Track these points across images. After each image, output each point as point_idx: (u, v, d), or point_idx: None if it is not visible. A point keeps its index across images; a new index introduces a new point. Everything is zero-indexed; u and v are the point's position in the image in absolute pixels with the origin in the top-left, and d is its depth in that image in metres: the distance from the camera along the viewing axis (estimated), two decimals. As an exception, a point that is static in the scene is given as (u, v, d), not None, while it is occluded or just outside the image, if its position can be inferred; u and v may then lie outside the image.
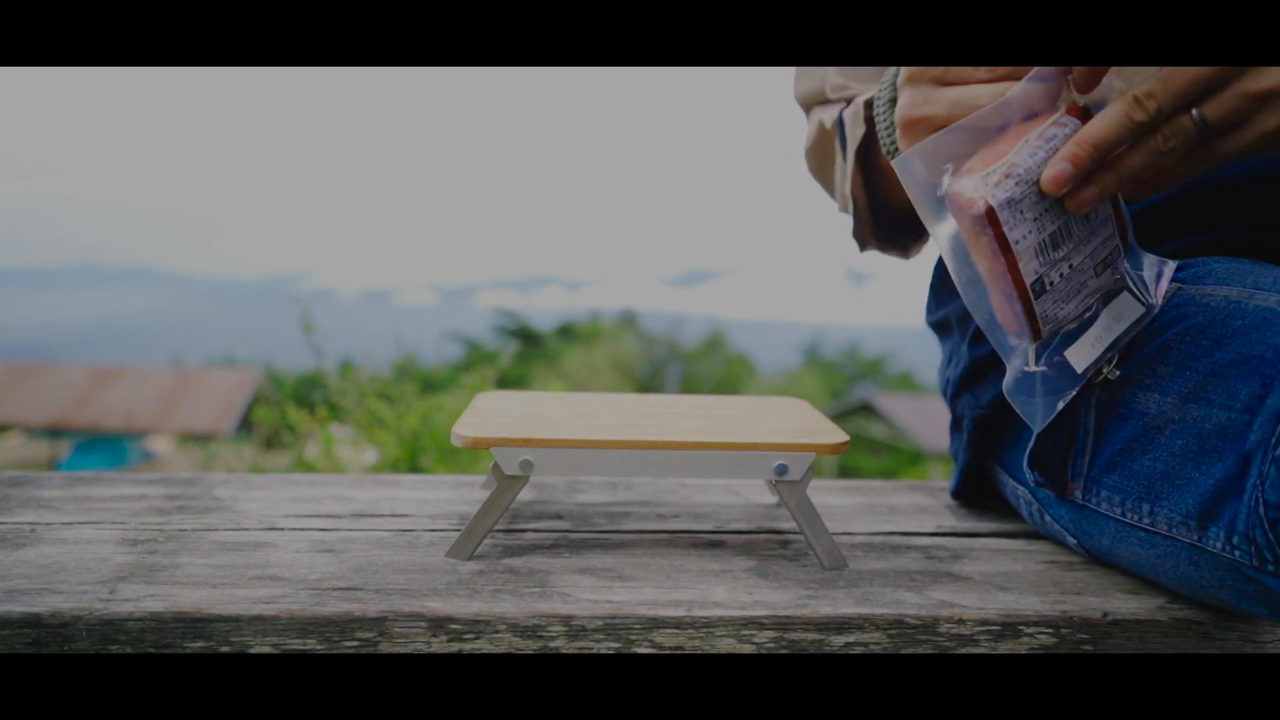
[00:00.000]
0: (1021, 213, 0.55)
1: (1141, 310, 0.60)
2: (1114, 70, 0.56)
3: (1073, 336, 0.60)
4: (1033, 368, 0.60)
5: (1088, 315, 0.60)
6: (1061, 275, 0.57)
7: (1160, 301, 0.61)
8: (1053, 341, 0.60)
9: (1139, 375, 0.61)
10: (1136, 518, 0.61)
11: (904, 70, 0.62)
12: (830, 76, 0.81)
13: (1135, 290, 0.60)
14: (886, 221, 0.82)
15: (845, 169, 0.79)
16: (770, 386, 20.99)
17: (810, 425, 0.72)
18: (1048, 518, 0.72)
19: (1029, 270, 0.56)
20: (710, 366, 22.58)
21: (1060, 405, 0.61)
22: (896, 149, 0.68)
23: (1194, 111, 0.52)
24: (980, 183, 0.55)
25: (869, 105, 0.74)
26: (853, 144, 0.76)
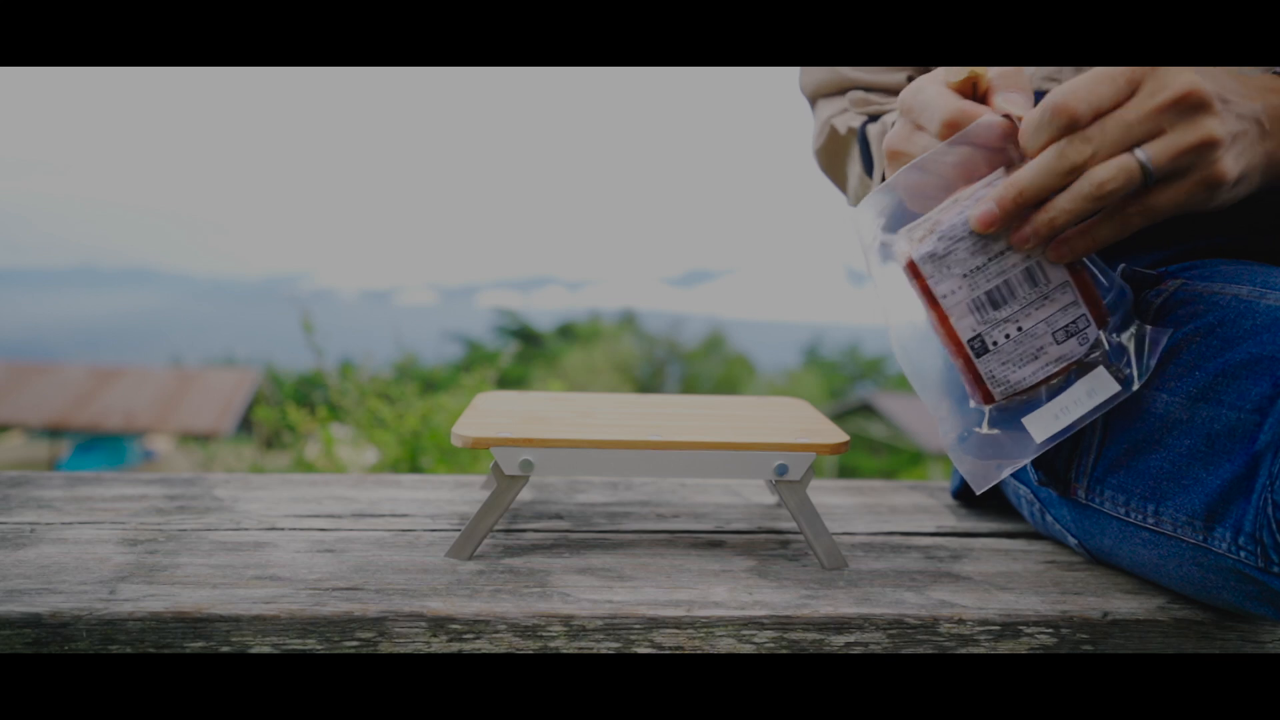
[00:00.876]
0: (948, 268, 0.56)
1: (1116, 388, 0.58)
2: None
3: (1035, 404, 0.59)
4: (984, 430, 0.60)
5: (1056, 383, 0.59)
6: (1008, 336, 0.57)
7: (1145, 376, 0.59)
8: (1010, 407, 0.59)
9: (1148, 374, 0.61)
10: (1141, 518, 0.61)
11: (901, 99, 0.61)
12: (846, 74, 0.81)
13: (1112, 365, 0.59)
14: None
15: (862, 178, 0.79)
16: (770, 386, 20.98)
17: (810, 425, 0.72)
18: (1049, 517, 0.72)
19: (964, 327, 0.57)
20: (710, 366, 22.57)
21: (1005, 473, 0.60)
22: None
23: (1138, 152, 0.52)
24: (905, 237, 0.56)
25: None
26: (878, 170, 0.76)
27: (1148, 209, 0.54)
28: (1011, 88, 0.57)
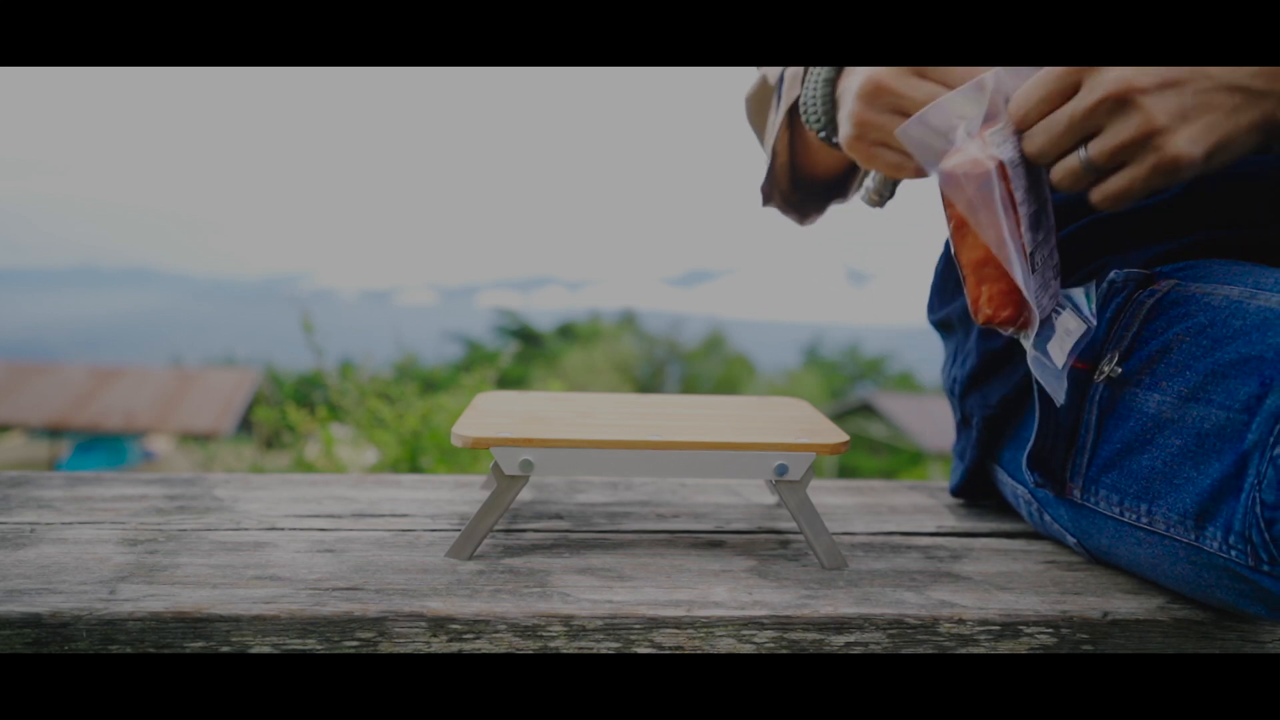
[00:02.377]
0: (1019, 179, 0.57)
1: (1084, 327, 0.60)
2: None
3: (1046, 337, 0.61)
4: (1030, 350, 0.61)
5: (1053, 319, 0.61)
6: (1041, 260, 0.59)
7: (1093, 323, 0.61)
8: (1036, 333, 0.61)
9: (1139, 374, 0.61)
10: (1134, 517, 0.61)
11: (866, 72, 0.65)
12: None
13: (1075, 306, 0.61)
14: (798, 184, 0.85)
15: (774, 123, 0.82)
16: (770, 386, 20.99)
17: (810, 425, 0.72)
18: (1047, 517, 0.72)
19: (1028, 239, 0.58)
20: (710, 366, 22.57)
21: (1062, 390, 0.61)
22: (820, 122, 0.72)
23: (1080, 151, 0.57)
24: (981, 146, 0.57)
25: (808, 71, 0.77)
26: (786, 102, 0.79)
27: (1110, 197, 0.58)
28: None
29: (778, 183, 0.85)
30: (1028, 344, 0.61)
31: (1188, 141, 0.56)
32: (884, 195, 0.76)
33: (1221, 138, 0.57)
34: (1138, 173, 0.57)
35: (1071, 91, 0.57)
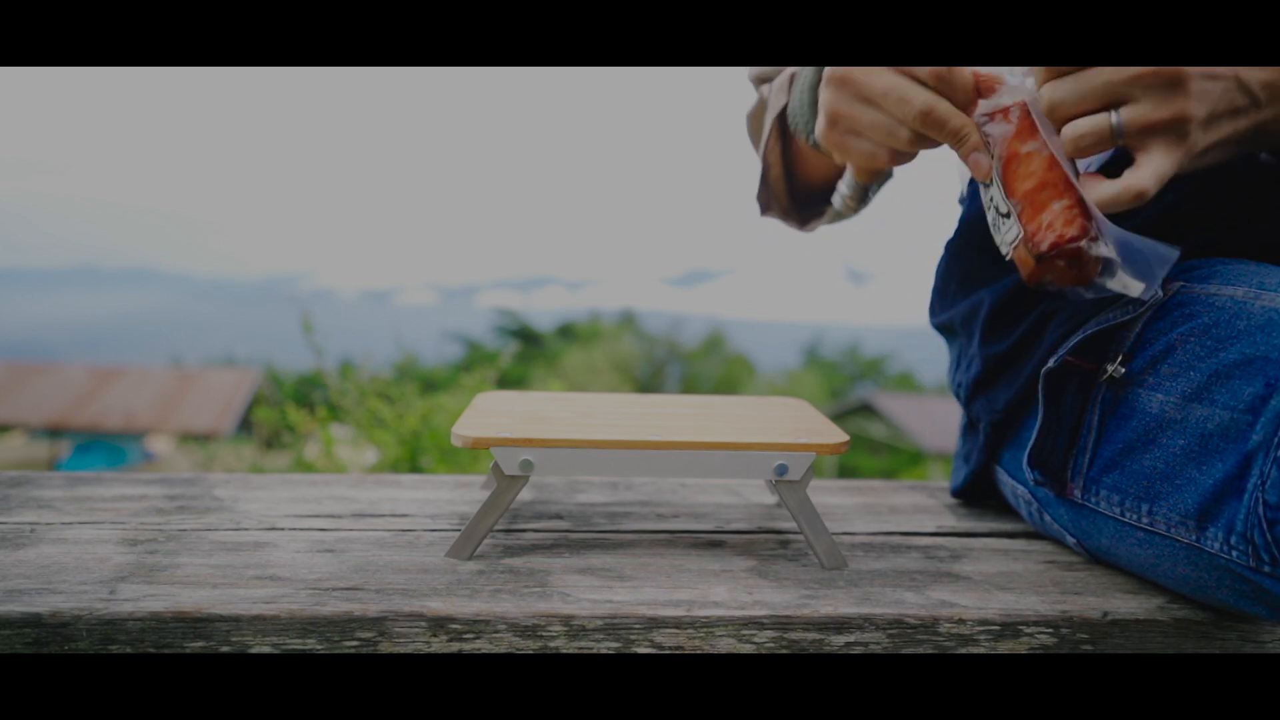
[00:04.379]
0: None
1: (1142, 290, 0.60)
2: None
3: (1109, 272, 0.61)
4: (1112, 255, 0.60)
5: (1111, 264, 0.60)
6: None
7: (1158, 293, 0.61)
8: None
9: (1143, 374, 0.61)
10: (1135, 517, 0.61)
11: (834, 70, 0.66)
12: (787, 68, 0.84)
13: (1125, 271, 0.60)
14: (795, 191, 0.86)
15: (765, 132, 0.83)
16: (770, 386, 20.99)
17: (810, 425, 0.72)
18: (1047, 517, 0.72)
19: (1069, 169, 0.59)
20: (710, 366, 22.57)
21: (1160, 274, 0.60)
22: (808, 126, 0.73)
23: (1113, 114, 0.57)
24: (1010, 90, 0.61)
25: (794, 77, 0.78)
26: (773, 110, 0.80)
27: (1134, 191, 0.57)
28: None
29: (774, 192, 0.86)
30: (1105, 249, 0.59)
31: (1202, 132, 0.56)
32: (857, 199, 0.77)
33: (1222, 136, 0.58)
34: (1152, 148, 0.56)
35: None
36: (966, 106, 0.62)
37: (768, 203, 0.88)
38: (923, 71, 0.62)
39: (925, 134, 0.63)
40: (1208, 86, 0.56)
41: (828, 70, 0.67)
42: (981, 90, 0.62)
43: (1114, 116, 0.56)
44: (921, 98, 0.62)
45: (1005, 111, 0.60)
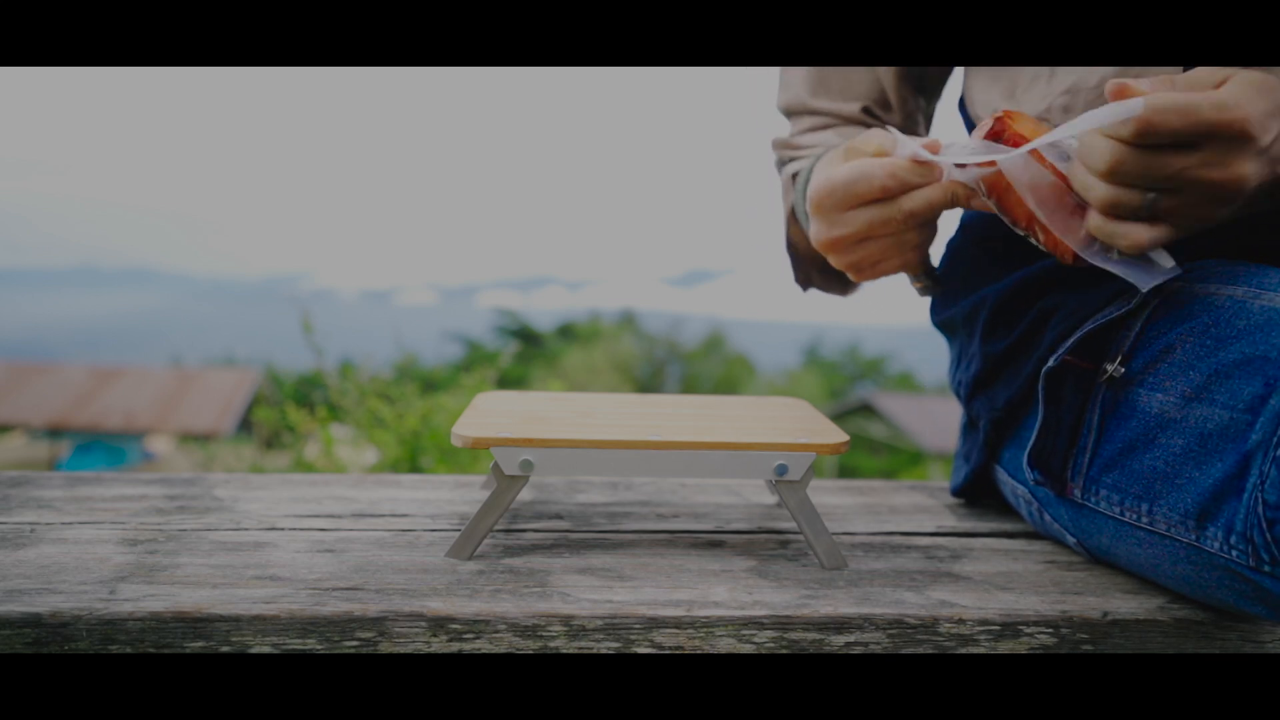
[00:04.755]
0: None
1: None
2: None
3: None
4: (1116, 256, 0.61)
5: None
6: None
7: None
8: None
9: (1142, 374, 0.61)
10: (1135, 517, 0.61)
11: (810, 199, 0.69)
12: (808, 101, 0.87)
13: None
14: (827, 266, 0.87)
15: (784, 222, 0.86)
16: (770, 386, 20.99)
17: (810, 425, 0.72)
18: (1047, 517, 0.72)
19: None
20: (710, 366, 22.57)
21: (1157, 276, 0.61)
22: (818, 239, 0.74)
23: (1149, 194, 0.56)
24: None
25: (795, 177, 0.82)
26: (785, 208, 0.84)
27: (1140, 242, 0.58)
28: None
29: (809, 268, 0.88)
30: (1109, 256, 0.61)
31: (1225, 214, 0.57)
32: (927, 284, 0.76)
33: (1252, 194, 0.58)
34: (1169, 235, 0.57)
35: (1204, 134, 0.53)
36: (931, 179, 0.64)
37: (807, 279, 0.89)
38: (878, 179, 0.64)
39: (921, 221, 0.66)
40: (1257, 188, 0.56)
41: (809, 201, 0.69)
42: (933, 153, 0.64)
43: (1149, 199, 0.56)
44: (899, 206, 0.65)
45: (966, 168, 0.62)
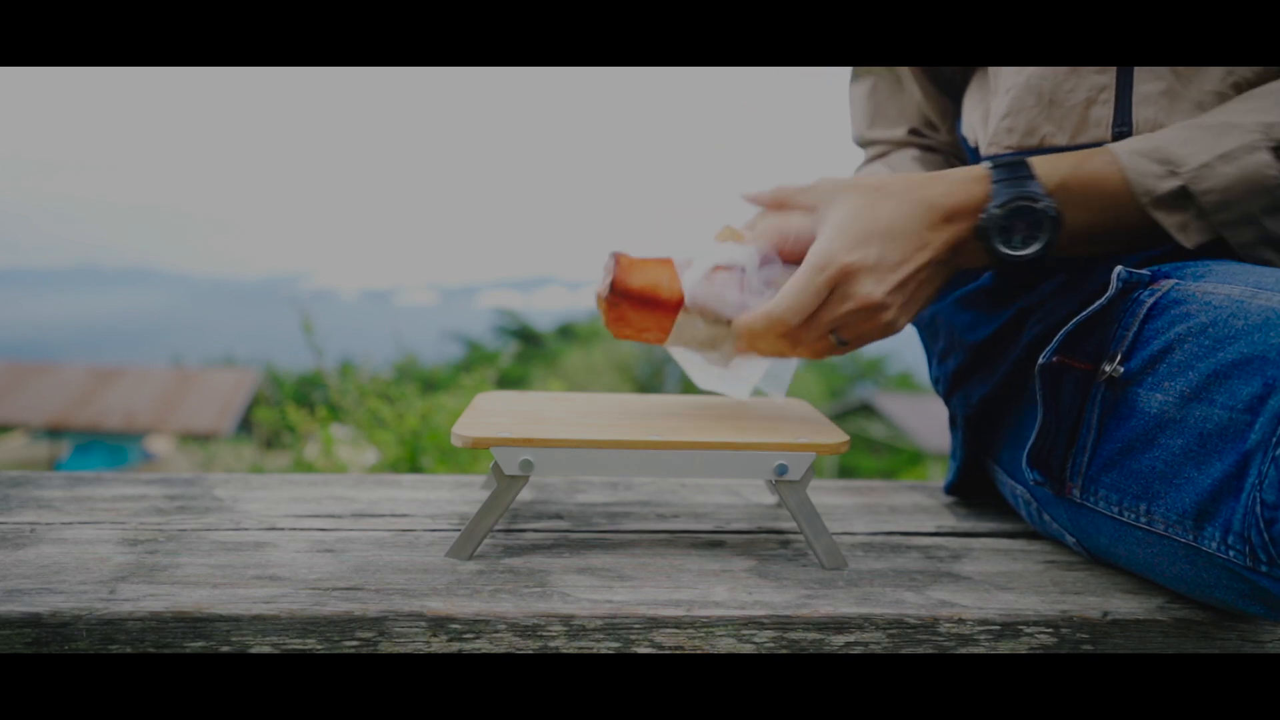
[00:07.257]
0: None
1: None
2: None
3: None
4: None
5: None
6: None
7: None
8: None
9: (1141, 374, 0.61)
10: (1134, 517, 0.61)
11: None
12: (859, 128, 0.92)
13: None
14: None
15: None
16: (770, 387, 20.93)
17: (810, 425, 0.72)
18: (1046, 516, 0.72)
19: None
20: (710, 367, 22.49)
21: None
22: None
23: (833, 335, 0.66)
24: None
25: None
26: None
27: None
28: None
29: None
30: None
31: (896, 312, 0.66)
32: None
33: (913, 306, 0.67)
34: (864, 333, 0.66)
35: (827, 294, 0.64)
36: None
37: None
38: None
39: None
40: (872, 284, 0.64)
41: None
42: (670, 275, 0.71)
43: (834, 336, 0.66)
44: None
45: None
